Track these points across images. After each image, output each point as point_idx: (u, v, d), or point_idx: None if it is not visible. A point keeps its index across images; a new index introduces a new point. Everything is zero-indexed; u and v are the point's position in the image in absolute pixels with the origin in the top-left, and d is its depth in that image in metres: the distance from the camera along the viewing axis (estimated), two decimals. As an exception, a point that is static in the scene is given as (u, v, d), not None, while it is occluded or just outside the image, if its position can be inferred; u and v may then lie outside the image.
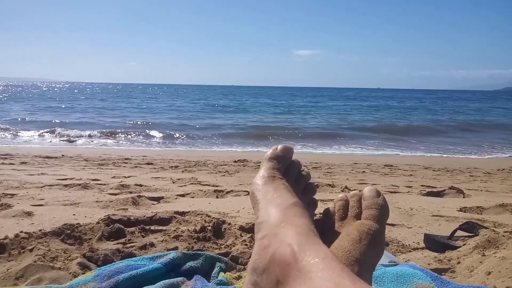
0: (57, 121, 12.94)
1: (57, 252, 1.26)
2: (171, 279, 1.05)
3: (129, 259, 1.17)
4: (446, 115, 18.70)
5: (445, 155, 7.96)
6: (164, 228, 1.61)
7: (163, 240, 1.46)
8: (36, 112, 16.27)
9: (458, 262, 1.30)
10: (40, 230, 1.42)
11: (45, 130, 10.34)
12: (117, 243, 1.40)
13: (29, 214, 1.79)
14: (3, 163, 4.22)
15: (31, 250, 1.24)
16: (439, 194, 2.82)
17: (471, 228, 1.54)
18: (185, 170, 4.07)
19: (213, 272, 1.16)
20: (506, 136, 11.51)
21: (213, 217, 1.78)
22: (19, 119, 13.17)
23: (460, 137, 11.40)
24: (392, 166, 5.13)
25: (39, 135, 9.82)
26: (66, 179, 3.05)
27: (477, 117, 17.68)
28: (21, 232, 1.38)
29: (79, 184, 2.66)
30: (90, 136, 9.82)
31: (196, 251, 1.24)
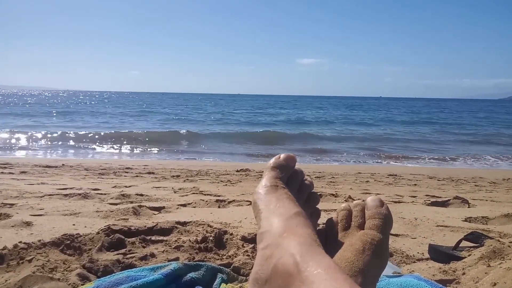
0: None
1: (56, 263, 1.25)
2: (172, 291, 1.03)
3: (129, 270, 1.15)
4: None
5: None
6: (165, 238, 1.60)
7: (164, 250, 1.44)
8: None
9: (463, 273, 1.28)
10: (39, 241, 1.40)
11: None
12: (117, 254, 1.38)
13: (28, 224, 1.78)
14: (2, 173, 4.21)
15: (30, 261, 1.22)
16: (443, 204, 2.79)
17: (476, 238, 1.52)
18: (187, 179, 4.06)
19: (215, 283, 1.14)
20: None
21: (215, 227, 1.77)
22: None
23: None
24: (396, 175, 5.11)
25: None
26: (66, 188, 3.04)
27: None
28: (20, 242, 1.37)
29: (79, 194, 2.64)
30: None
31: (197, 262, 1.22)
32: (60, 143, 10.23)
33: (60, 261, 1.27)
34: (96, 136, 11.32)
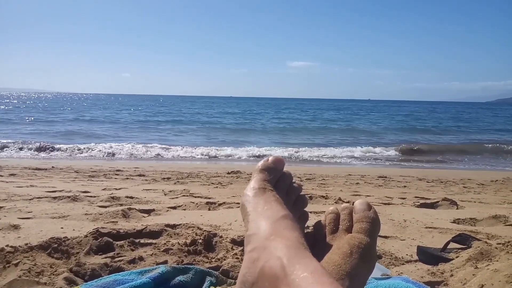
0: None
1: (43, 266, 1.23)
2: (160, 294, 1.02)
3: (117, 273, 1.14)
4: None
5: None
6: (154, 241, 1.58)
7: (152, 253, 1.43)
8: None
9: (451, 275, 1.29)
10: (26, 244, 1.38)
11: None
12: (105, 257, 1.37)
13: (16, 227, 1.76)
14: (-9, 175, 4.16)
15: (16, 265, 1.20)
16: (432, 205, 2.82)
17: (464, 240, 1.53)
18: (178, 181, 4.04)
19: (203, 287, 1.13)
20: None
21: (205, 230, 1.76)
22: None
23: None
24: (386, 177, 5.13)
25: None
26: (55, 191, 3.01)
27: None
28: (6, 246, 1.35)
29: (68, 197, 2.62)
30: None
31: (186, 265, 1.22)
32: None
33: (47, 265, 1.25)
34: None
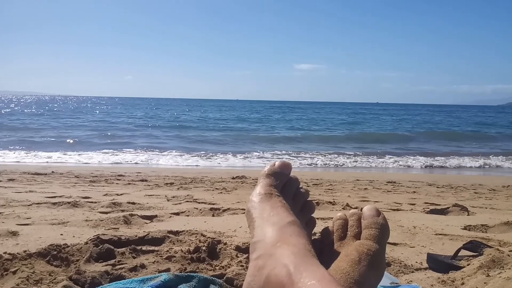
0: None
1: (42, 274, 1.21)
2: (161, 304, 0.99)
3: (118, 282, 1.11)
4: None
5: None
6: (156, 248, 1.56)
7: (154, 261, 1.40)
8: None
9: (462, 283, 1.26)
10: (25, 251, 1.36)
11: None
12: (106, 265, 1.34)
13: (14, 234, 1.74)
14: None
15: (14, 273, 1.18)
16: (443, 211, 2.77)
17: (475, 247, 1.50)
18: (181, 187, 4.01)
19: (206, 295, 1.10)
20: None
21: (208, 237, 1.73)
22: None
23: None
24: (395, 182, 5.08)
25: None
26: (55, 196, 2.98)
27: None
28: (4, 253, 1.33)
29: (69, 202, 2.59)
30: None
31: (189, 273, 1.18)
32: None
33: (46, 273, 1.23)
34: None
